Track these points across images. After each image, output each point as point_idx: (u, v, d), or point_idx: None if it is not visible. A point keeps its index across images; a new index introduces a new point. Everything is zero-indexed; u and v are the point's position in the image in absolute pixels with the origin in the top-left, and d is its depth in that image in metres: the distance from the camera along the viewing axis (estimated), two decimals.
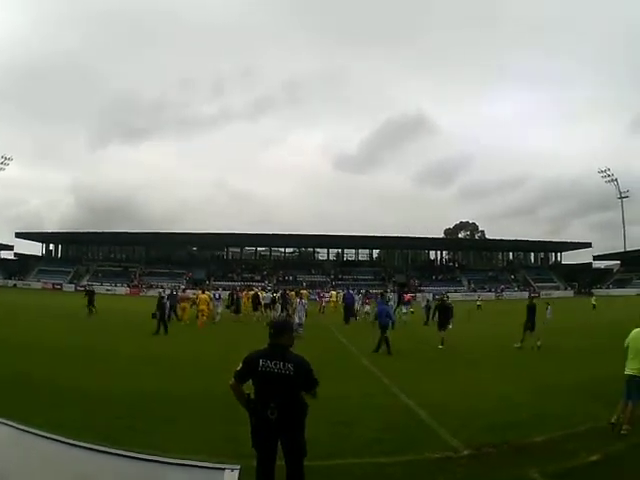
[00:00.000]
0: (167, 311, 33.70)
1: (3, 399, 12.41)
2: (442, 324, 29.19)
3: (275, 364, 7.66)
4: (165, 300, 33.75)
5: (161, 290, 43.61)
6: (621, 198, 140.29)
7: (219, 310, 44.08)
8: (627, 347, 12.34)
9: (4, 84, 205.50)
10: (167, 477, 3.28)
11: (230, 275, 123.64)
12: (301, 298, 37.92)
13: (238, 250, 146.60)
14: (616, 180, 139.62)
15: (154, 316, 32.74)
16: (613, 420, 11.79)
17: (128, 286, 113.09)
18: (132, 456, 3.41)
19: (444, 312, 30.01)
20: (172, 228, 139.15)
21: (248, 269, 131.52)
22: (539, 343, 27.27)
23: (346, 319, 44.02)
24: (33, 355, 21.50)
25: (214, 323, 40.95)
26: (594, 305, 63.98)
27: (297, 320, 32.83)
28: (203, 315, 39.78)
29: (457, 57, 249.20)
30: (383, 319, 27.03)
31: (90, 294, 47.72)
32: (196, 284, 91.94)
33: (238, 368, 7.82)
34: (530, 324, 28.33)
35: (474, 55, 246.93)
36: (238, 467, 3.33)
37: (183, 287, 78.41)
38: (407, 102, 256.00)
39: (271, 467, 7.65)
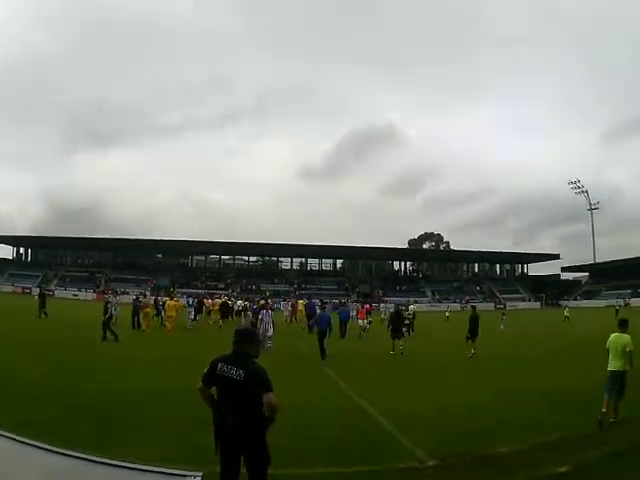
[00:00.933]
0: (113, 317, 33.39)
1: None
2: (395, 332, 30.90)
3: (230, 369, 7.54)
4: (110, 306, 32.99)
5: (107, 296, 42.95)
6: (591, 210, 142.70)
7: (191, 317, 44.83)
8: (608, 348, 14.30)
9: None
10: None
11: (194, 283, 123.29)
12: (268, 309, 33.85)
13: (202, 258, 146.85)
14: (586, 192, 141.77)
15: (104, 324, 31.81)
16: (599, 417, 12.60)
17: (94, 292, 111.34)
18: (95, 460, 3.41)
19: (397, 322, 31.68)
20: (139, 235, 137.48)
21: (212, 277, 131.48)
22: (473, 352, 28.19)
23: (309, 329, 42.12)
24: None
25: (188, 328, 42.28)
26: (566, 317, 63.71)
27: (265, 332, 30.14)
28: (170, 322, 39.74)
29: (426, 69, 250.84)
30: (323, 326, 28.76)
31: (42, 297, 47.56)
32: (160, 291, 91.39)
33: (205, 371, 7.71)
34: (470, 334, 29.58)
35: (444, 67, 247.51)
36: (200, 474, 3.33)
37: (147, 293, 77.78)
38: (374, 113, 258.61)
39: (234, 475, 7.51)
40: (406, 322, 38.92)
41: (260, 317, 32.16)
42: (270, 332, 30.83)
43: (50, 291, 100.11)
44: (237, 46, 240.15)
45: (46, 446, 3.57)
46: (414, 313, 46.30)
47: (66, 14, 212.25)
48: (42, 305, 45.82)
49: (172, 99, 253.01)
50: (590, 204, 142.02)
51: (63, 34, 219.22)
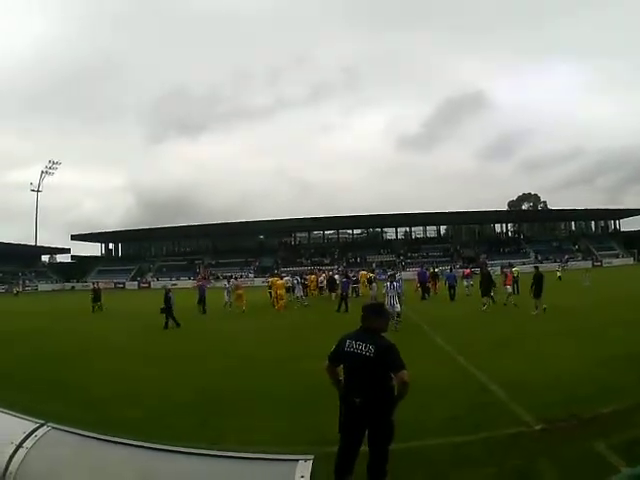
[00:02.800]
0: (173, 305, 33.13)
1: None
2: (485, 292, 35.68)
3: (359, 345, 7.55)
4: (170, 294, 33.58)
5: (166, 284, 44.46)
6: None
7: (300, 294, 46.27)
8: None
9: (44, 89, 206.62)
10: (239, 472, 3.30)
11: (299, 260, 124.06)
12: (394, 281, 28.38)
13: (305, 235, 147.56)
14: None
15: (162, 311, 32.71)
16: None
17: (193, 278, 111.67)
18: (201, 453, 3.45)
19: (487, 282, 36.23)
20: (235, 219, 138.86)
21: (317, 253, 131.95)
22: (545, 306, 30.71)
23: (423, 296, 46.10)
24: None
25: (305, 306, 44.08)
26: None
27: (391, 308, 25.50)
28: (282, 299, 42.92)
29: (511, 34, 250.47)
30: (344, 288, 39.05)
31: (96, 292, 49.87)
32: (264, 272, 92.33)
33: (332, 349, 7.90)
34: (537, 291, 31.29)
35: (527, 27, 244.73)
36: (311, 457, 3.34)
37: (250, 275, 78.81)
38: (464, 80, 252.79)
39: (353, 453, 7.58)
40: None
41: (384, 290, 27.77)
42: (398, 308, 26.63)
43: (146, 282, 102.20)
44: (325, 21, 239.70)
45: (135, 442, 3.61)
46: (518, 274, 46.14)
47: (144, 5, 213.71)
48: (96, 299, 48.49)
49: (259, 81, 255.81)
50: None
51: (143, 26, 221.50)
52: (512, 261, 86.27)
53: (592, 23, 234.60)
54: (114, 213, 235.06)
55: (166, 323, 31.96)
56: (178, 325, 31.97)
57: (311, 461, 3.31)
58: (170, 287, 36.96)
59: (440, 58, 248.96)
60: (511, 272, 39.60)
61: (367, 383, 7.40)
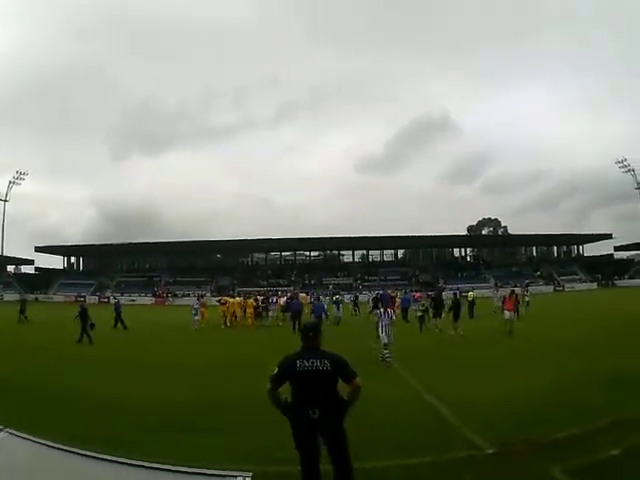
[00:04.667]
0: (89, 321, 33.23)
1: None
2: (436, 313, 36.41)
3: (312, 362, 7.89)
4: (83, 310, 33.74)
5: (81, 299, 44.90)
6: (639, 188, 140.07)
7: (274, 314, 47.43)
8: None
9: (12, 99, 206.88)
10: None
11: (255, 281, 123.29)
12: (387, 308, 25.42)
13: (263, 255, 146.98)
14: (633, 170, 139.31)
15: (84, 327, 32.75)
16: None
17: (153, 296, 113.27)
18: (144, 465, 3.53)
19: (438, 304, 36.99)
20: (194, 237, 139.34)
21: (274, 274, 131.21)
22: (462, 332, 32.35)
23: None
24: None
25: (278, 326, 44.41)
26: None
27: (388, 337, 23.30)
28: (235, 318, 45.76)
29: (478, 55, 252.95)
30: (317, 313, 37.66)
31: (23, 302, 51.01)
32: (221, 291, 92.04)
33: (274, 373, 8.01)
34: (454, 316, 34.15)
35: (494, 52, 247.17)
36: (250, 474, 3.51)
37: (207, 294, 78.67)
38: (429, 102, 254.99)
39: (317, 467, 7.86)
40: (448, 303, 39.89)
41: (377, 319, 24.28)
42: (385, 339, 23.18)
43: (105, 298, 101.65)
44: (290, 44, 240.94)
45: (88, 453, 3.76)
46: (473, 299, 47.46)
47: (117, 21, 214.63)
48: (22, 310, 48.64)
49: (224, 100, 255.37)
50: (638, 183, 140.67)
51: (112, 41, 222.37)
52: (472, 285, 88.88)
53: (557, 46, 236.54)
54: (79, 226, 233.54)
55: (81, 335, 32.35)
56: (90, 342, 31.88)
57: (250, 478, 3.52)
58: (85, 303, 38.78)
59: (406, 80, 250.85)
60: (509, 295, 36.00)
61: (323, 396, 7.83)
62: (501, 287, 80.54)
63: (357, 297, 64.88)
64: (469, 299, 47.00)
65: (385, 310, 24.46)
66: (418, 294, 55.50)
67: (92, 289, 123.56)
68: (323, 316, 38.23)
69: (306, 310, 43.03)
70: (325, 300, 53.62)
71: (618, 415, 12.28)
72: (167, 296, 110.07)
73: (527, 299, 52.42)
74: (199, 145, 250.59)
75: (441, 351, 25.88)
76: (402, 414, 13.72)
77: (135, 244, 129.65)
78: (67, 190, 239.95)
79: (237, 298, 49.89)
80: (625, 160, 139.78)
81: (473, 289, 59.86)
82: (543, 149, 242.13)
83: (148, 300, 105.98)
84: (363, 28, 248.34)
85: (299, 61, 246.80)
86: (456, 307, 34.88)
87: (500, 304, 39.51)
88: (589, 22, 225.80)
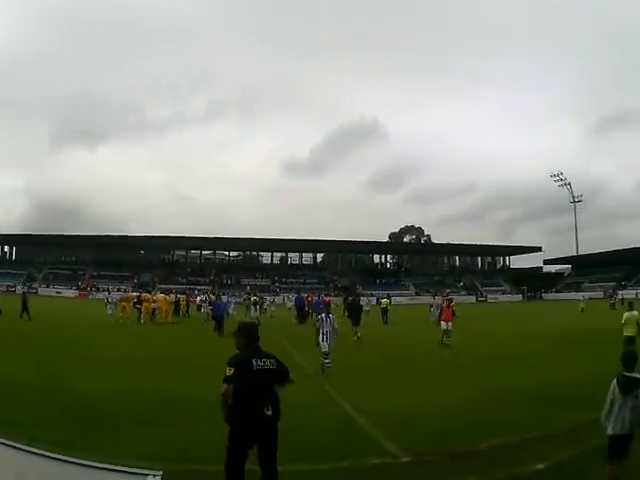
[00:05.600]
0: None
1: None
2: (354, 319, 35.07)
3: (264, 361, 8.16)
4: None
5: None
6: (574, 202, 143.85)
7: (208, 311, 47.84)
8: (624, 323, 22.90)
9: None
10: None
11: (175, 278, 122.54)
12: (328, 313, 23.07)
13: (184, 253, 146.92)
14: (569, 184, 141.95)
15: None
16: None
17: (78, 289, 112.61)
18: (53, 457, 3.35)
19: (355, 310, 36.41)
20: (124, 232, 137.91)
21: (194, 272, 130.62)
22: (359, 335, 32.57)
23: (300, 319, 47.80)
24: None
25: (206, 322, 44.56)
26: (582, 308, 63.28)
27: (324, 346, 21.63)
28: (159, 313, 45.23)
29: (410, 66, 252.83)
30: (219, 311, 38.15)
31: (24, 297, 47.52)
32: (142, 287, 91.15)
33: (229, 373, 7.96)
34: (352, 320, 34.57)
35: (428, 63, 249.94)
36: (160, 473, 3.32)
37: (129, 290, 78.15)
38: (358, 110, 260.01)
39: (244, 468, 7.92)
40: (366, 309, 43.15)
41: (318, 324, 22.58)
42: (326, 348, 21.53)
43: (34, 289, 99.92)
44: (225, 42, 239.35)
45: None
46: (386, 306, 48.94)
47: (52, 14, 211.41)
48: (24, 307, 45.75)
49: (160, 95, 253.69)
50: (573, 197, 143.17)
51: (48, 33, 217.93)
52: (389, 292, 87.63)
53: (494, 60, 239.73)
54: (13, 215, 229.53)
55: None
56: None
57: (159, 477, 3.33)
58: None
59: (337, 86, 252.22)
60: (447, 305, 33.69)
61: (273, 395, 8.08)
62: (439, 296, 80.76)
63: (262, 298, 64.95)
64: (382, 306, 49.01)
65: (327, 315, 22.60)
66: (328, 298, 54.95)
67: (22, 279, 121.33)
68: (225, 315, 39.59)
69: None
70: (230, 299, 56.37)
71: (542, 429, 12.14)
72: (91, 290, 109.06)
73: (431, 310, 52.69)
74: (130, 139, 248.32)
75: (357, 358, 25.51)
76: (316, 419, 13.48)
77: (62, 236, 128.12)
78: (4, 177, 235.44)
79: (160, 294, 49.52)
80: (561, 174, 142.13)
81: (388, 296, 61.47)
82: (475, 161, 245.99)
83: (73, 293, 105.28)
84: (299, 31, 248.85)
85: (232, 60, 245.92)
86: (355, 311, 35.83)
87: (437, 314, 39.29)
88: (526, 36, 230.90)
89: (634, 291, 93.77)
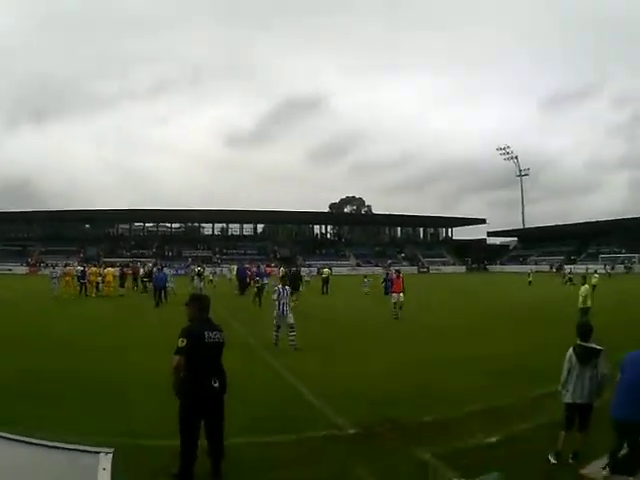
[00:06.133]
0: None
1: None
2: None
3: (215, 334, 8.25)
4: None
5: None
6: (520, 175, 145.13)
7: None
8: (585, 296, 22.99)
9: None
10: (40, 460, 3.08)
11: (120, 251, 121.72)
12: (284, 285, 22.10)
13: (127, 227, 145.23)
14: (516, 158, 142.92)
15: None
16: None
17: (28, 265, 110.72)
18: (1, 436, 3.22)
19: (294, 280, 35.84)
20: (70, 206, 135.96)
21: (137, 245, 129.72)
22: (295, 303, 30.03)
23: (241, 290, 47.23)
24: None
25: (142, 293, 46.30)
26: (530, 281, 63.68)
27: (283, 317, 20.52)
28: (109, 287, 46.13)
29: (357, 37, 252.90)
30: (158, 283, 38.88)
31: None
32: (89, 261, 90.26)
33: (182, 345, 7.96)
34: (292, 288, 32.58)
35: (375, 36, 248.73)
36: (112, 450, 3.23)
37: (75, 264, 77.55)
38: (303, 81, 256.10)
39: (197, 440, 7.98)
40: (306, 279, 44.89)
41: (275, 296, 21.13)
42: (291, 319, 20.39)
43: None
44: (171, 17, 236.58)
45: None
46: (327, 276, 49.74)
47: None
48: None
49: (106, 71, 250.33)
50: (520, 170, 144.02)
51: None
52: (330, 263, 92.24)
53: (445, 36, 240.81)
54: None
55: None
56: None
57: (111, 454, 3.23)
58: None
59: (281, 58, 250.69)
60: (397, 276, 32.22)
61: (220, 368, 8.21)
62: (382, 267, 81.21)
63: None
64: (324, 276, 49.58)
65: (283, 287, 21.50)
66: (269, 269, 57.57)
67: None
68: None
69: None
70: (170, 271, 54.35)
71: (488, 402, 12.05)
72: (39, 266, 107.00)
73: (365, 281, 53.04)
74: (77, 115, 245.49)
75: (298, 329, 24.81)
76: (259, 391, 13.30)
77: (9, 213, 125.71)
78: None
79: (109, 269, 50.38)
80: (508, 147, 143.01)
81: (327, 266, 63.14)
82: (421, 134, 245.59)
83: (24, 270, 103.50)
84: (245, 5, 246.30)
85: (179, 34, 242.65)
86: (293, 280, 35.51)
87: (378, 284, 40.83)
88: (478, 14, 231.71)
89: (584, 265, 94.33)
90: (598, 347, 8.88)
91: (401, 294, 30.20)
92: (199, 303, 8.61)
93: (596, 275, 46.83)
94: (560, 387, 9.00)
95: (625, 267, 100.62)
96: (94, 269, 48.60)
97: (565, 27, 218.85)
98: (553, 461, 8.66)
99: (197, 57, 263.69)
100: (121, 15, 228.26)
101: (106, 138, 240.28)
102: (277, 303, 20.82)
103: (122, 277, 49.92)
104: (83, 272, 46.72)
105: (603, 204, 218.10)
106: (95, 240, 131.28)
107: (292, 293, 31.23)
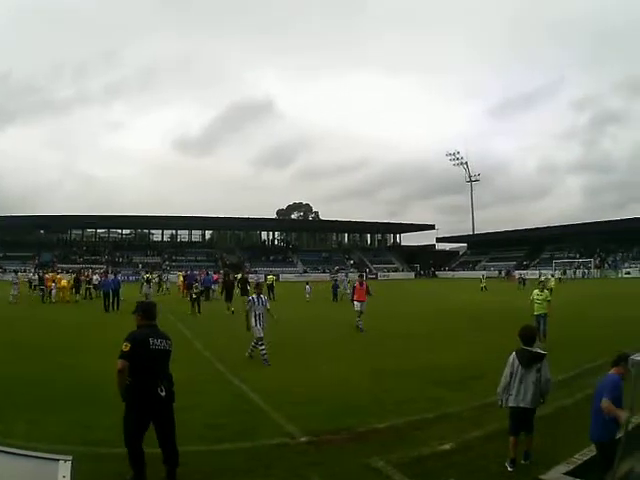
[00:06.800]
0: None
1: None
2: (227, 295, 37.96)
3: (160, 341, 8.25)
4: None
5: None
6: (470, 181, 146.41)
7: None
8: (532, 300, 22.20)
9: None
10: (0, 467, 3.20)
11: (73, 257, 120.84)
12: (259, 294, 19.88)
13: (80, 232, 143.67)
14: (466, 163, 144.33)
15: None
16: None
17: None
18: None
19: (229, 287, 38.98)
20: (26, 211, 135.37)
21: (89, 251, 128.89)
22: (232, 310, 34.31)
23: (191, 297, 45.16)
24: None
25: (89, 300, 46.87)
26: (482, 287, 63.69)
27: (259, 331, 18.63)
28: (64, 292, 46.36)
29: (305, 43, 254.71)
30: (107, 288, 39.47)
31: None
32: (43, 267, 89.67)
33: (126, 349, 7.89)
34: (226, 296, 37.62)
35: (323, 42, 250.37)
36: (70, 458, 3.30)
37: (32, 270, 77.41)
38: (252, 86, 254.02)
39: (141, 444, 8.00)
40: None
41: (248, 307, 19.34)
42: (261, 332, 18.59)
43: None
44: (122, 22, 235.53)
45: None
46: (272, 282, 50.66)
47: None
48: None
49: (59, 75, 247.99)
50: (470, 176, 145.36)
51: None
52: (277, 269, 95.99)
53: (391, 41, 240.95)
54: None
55: None
56: None
57: (70, 462, 3.29)
58: None
59: (230, 63, 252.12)
60: (359, 283, 28.76)
61: (166, 376, 8.20)
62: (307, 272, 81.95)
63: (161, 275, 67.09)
64: (268, 282, 49.75)
65: (258, 296, 19.45)
66: (216, 276, 57.79)
67: None
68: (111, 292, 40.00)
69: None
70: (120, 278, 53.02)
71: (440, 410, 12.10)
72: None
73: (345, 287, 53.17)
74: (31, 120, 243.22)
75: (246, 335, 24.79)
76: (211, 399, 13.24)
77: None
78: None
79: (63, 274, 52.69)
80: (458, 153, 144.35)
81: (274, 273, 66.22)
82: (370, 140, 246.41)
83: None
84: (194, 10, 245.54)
85: (130, 40, 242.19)
86: (228, 288, 38.53)
87: (349, 291, 38.94)
88: (428, 18, 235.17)
89: (536, 271, 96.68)
90: (542, 351, 9.21)
91: (364, 303, 27.66)
92: (145, 310, 8.61)
93: (550, 278, 47.18)
94: (500, 390, 9.19)
95: (582, 272, 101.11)
96: (51, 275, 49.41)
97: (519, 30, 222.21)
98: (510, 469, 8.78)
99: (149, 62, 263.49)
100: (74, 18, 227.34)
101: (58, 143, 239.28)
102: (252, 314, 18.82)
103: (77, 283, 49.52)
104: (41, 278, 47.62)
105: (557, 209, 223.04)
106: (50, 246, 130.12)
107: (226, 300, 34.44)
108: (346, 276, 62.97)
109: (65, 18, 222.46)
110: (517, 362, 9.08)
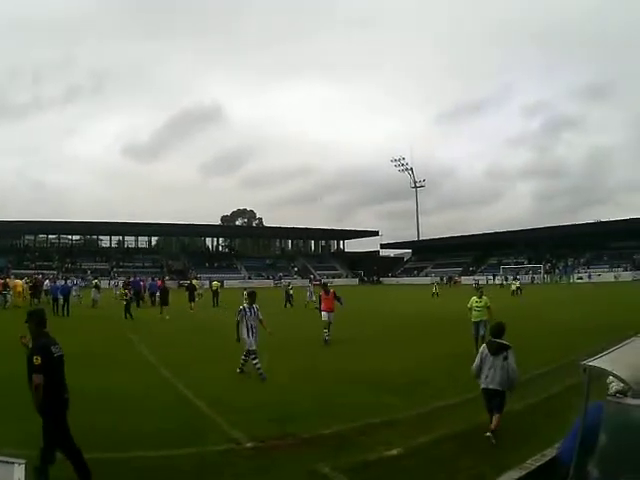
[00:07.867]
0: None
1: None
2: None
3: (58, 348, 8.15)
4: None
5: None
6: (415, 187, 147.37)
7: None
8: (470, 307, 21.44)
9: None
10: None
11: (26, 263, 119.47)
12: (252, 303, 18.28)
13: (32, 238, 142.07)
14: (411, 169, 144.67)
15: None
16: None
17: None
18: None
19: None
20: None
21: (41, 257, 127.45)
22: (167, 317, 35.29)
23: (137, 303, 47.00)
24: None
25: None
26: (434, 293, 63.15)
27: (252, 344, 17.16)
28: (20, 297, 47.03)
29: (255, 51, 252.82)
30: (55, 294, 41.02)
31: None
32: None
33: (38, 363, 7.74)
34: (162, 302, 38.77)
35: (273, 48, 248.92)
36: (24, 461, 3.43)
37: None
38: (201, 93, 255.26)
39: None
40: (199, 292, 46.77)
41: (238, 317, 17.71)
42: (253, 344, 17.16)
43: None
44: (76, 28, 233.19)
45: None
46: (217, 289, 50.79)
47: None
48: None
49: (14, 81, 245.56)
50: (415, 182, 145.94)
51: None
52: (222, 275, 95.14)
53: (337, 46, 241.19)
54: None
55: None
56: None
57: (24, 465, 3.39)
58: None
59: (180, 70, 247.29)
60: (325, 292, 24.71)
61: (65, 381, 8.17)
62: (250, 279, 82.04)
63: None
64: (213, 289, 50.69)
65: (250, 306, 17.95)
66: (160, 282, 56.43)
67: None
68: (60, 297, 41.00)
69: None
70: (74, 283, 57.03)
71: (385, 415, 11.99)
72: None
73: (291, 292, 52.72)
74: None
75: (194, 342, 24.59)
76: (156, 405, 13.03)
77: None
78: None
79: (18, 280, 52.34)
80: (403, 159, 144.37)
81: (218, 279, 64.27)
82: (315, 146, 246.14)
83: None
84: (145, 16, 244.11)
85: (83, 46, 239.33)
86: (163, 294, 39.83)
87: (315, 299, 37.84)
88: (378, 22, 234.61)
89: (484, 276, 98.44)
90: (506, 343, 10.74)
91: (331, 314, 25.17)
92: (37, 318, 8.35)
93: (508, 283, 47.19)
94: (474, 373, 10.90)
95: (530, 277, 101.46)
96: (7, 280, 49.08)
97: (468, 33, 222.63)
98: (493, 441, 9.87)
99: (101, 67, 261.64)
100: (28, 23, 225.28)
101: (14, 148, 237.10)
102: (243, 325, 17.36)
103: (35, 289, 49.50)
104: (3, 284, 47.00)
105: (506, 215, 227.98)
106: (3, 252, 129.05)
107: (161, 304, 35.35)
108: (288, 285, 62.43)
109: (20, 25, 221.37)
110: (487, 351, 10.77)
